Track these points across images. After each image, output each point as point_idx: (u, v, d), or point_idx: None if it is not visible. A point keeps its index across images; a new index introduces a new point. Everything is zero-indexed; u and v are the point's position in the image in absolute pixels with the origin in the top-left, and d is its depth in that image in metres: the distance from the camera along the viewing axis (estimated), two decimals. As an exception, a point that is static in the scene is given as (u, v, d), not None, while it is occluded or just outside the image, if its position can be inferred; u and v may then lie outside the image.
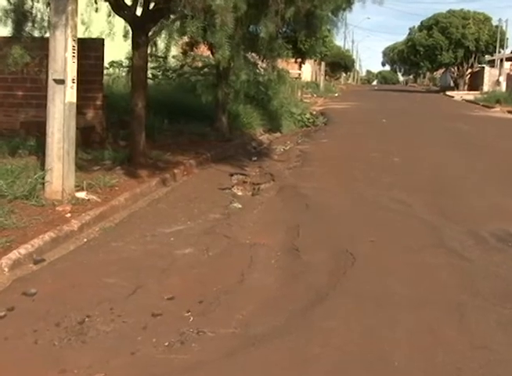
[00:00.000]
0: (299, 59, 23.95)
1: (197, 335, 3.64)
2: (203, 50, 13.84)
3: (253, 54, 10.94)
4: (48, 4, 6.61)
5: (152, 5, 7.92)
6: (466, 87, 52.43)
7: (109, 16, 8.95)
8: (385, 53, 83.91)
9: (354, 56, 73.09)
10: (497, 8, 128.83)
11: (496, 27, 52.04)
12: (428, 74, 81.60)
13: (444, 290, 4.53)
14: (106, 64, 11.01)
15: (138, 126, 8.20)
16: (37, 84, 8.17)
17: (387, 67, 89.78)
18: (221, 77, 12.00)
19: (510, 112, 26.97)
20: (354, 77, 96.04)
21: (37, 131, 7.81)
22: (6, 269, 4.53)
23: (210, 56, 12.53)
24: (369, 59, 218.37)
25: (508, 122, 22.40)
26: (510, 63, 48.02)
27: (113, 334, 3.63)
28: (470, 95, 39.46)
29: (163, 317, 3.89)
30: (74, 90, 6.26)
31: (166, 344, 3.52)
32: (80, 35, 6.72)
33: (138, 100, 8.11)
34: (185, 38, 10.39)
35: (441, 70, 66.70)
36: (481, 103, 32.82)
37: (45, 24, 7.15)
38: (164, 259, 5.03)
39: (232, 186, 8.35)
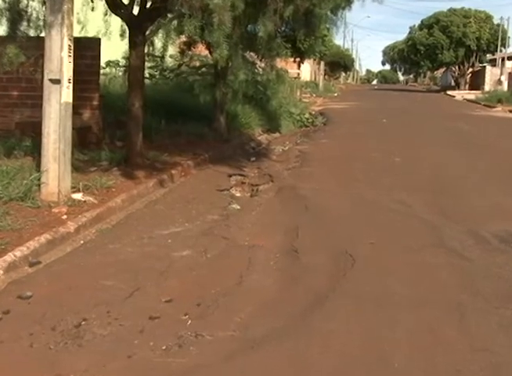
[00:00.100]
0: (298, 59, 23.87)
1: (195, 338, 3.61)
2: (201, 49, 13.77)
3: (251, 53, 10.92)
4: (44, 3, 6.58)
5: (149, 3, 7.89)
6: (467, 86, 52.41)
7: (106, 15, 8.89)
8: (385, 52, 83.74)
9: (353, 56, 73.14)
10: (498, 6, 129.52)
11: (498, 25, 52.12)
12: (429, 73, 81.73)
13: (444, 290, 4.52)
14: (102, 64, 10.99)
15: (135, 126, 8.17)
16: (33, 84, 8.13)
17: (387, 67, 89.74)
18: (219, 76, 11.97)
19: (511, 111, 26.92)
20: (353, 77, 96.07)
21: (33, 131, 7.75)
22: (1, 272, 4.47)
23: (208, 55, 12.47)
24: (369, 59, 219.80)
25: (510, 122, 22.43)
26: (511, 62, 48.01)
27: (109, 338, 3.60)
28: (472, 95, 39.46)
29: (160, 320, 3.86)
30: (70, 90, 6.23)
31: (163, 347, 3.49)
32: (76, 34, 6.66)
33: (135, 100, 8.08)
34: (183, 37, 10.36)
35: (441, 70, 66.75)
36: (483, 102, 32.79)
37: (41, 23, 7.12)
38: (161, 261, 4.99)
39: (231, 187, 8.31)
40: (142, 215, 6.56)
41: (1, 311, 3.89)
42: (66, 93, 6.16)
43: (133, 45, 8.00)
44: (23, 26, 7.15)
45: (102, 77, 10.65)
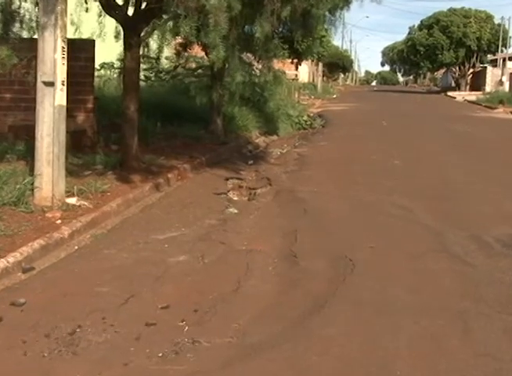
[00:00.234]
0: (296, 60, 23.91)
1: (192, 345, 3.58)
2: (197, 51, 13.75)
3: (248, 55, 10.85)
4: (37, 4, 6.60)
5: (144, 4, 7.86)
6: (467, 87, 52.32)
7: (100, 16, 8.88)
8: (384, 53, 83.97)
9: (352, 57, 73.33)
10: (499, 6, 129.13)
11: (499, 25, 52.14)
12: (429, 74, 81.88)
13: (446, 296, 4.50)
14: (96, 66, 10.98)
15: (131, 129, 8.13)
16: (26, 87, 8.05)
17: (387, 68, 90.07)
18: (215, 78, 11.95)
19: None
20: (352, 78, 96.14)
21: (26, 135, 7.68)
22: (-6, 279, 4.44)
23: (205, 56, 12.44)
24: (368, 60, 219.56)
25: (511, 123, 22.39)
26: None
27: (105, 345, 3.56)
28: (472, 96, 39.39)
29: (157, 327, 3.82)
30: (64, 92, 6.19)
31: (160, 354, 3.46)
32: (70, 36, 6.62)
33: (130, 103, 8.04)
34: (179, 39, 10.30)
35: (442, 71, 66.86)
36: (484, 103, 32.71)
37: (34, 25, 7.11)
38: (157, 267, 4.97)
39: (228, 191, 8.27)
40: (137, 219, 6.52)
41: (-6, 318, 3.85)
42: (60, 96, 6.12)
43: (128, 46, 7.96)
44: (16, 27, 7.15)
45: (96, 80, 10.65)
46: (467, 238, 6.02)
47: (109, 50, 10.49)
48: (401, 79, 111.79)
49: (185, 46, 12.52)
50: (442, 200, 7.85)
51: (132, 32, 7.91)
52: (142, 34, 8.19)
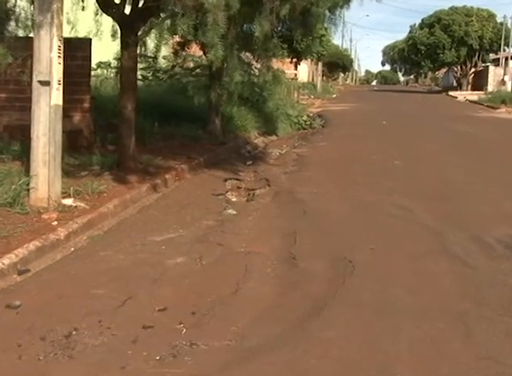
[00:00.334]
0: (295, 59, 23.92)
1: (190, 348, 3.57)
2: (195, 50, 13.72)
3: (247, 54, 10.81)
4: (32, 2, 6.57)
5: (141, 2, 7.82)
6: (469, 87, 52.23)
7: (97, 14, 8.81)
8: (385, 52, 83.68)
9: (352, 56, 73.27)
10: (501, 4, 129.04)
11: (501, 24, 52.05)
12: (430, 73, 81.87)
13: (447, 298, 4.48)
14: (93, 65, 10.92)
15: (128, 129, 8.10)
16: (21, 86, 8.00)
17: (387, 67, 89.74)
18: (213, 78, 11.91)
19: (515, 113, 26.88)
20: (352, 78, 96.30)
21: (22, 135, 7.65)
22: (-12, 281, 4.43)
23: (203, 56, 12.39)
24: (369, 59, 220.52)
25: (514, 123, 22.40)
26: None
27: (101, 348, 3.55)
28: (474, 96, 39.20)
29: (154, 329, 3.80)
30: (60, 92, 6.15)
31: (157, 357, 3.45)
32: (66, 35, 6.61)
33: (127, 102, 8.01)
34: (176, 38, 10.27)
35: (443, 70, 66.89)
36: (486, 103, 32.57)
37: (29, 23, 7.06)
38: (155, 269, 4.94)
39: (226, 192, 8.24)
40: (134, 220, 6.50)
41: (-12, 321, 3.84)
42: (56, 95, 6.08)
43: (125, 45, 7.92)
44: (11, 26, 7.11)
45: (93, 79, 10.64)
46: (468, 239, 6.00)
47: (106, 49, 10.44)
48: (401, 78, 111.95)
49: (183, 45, 12.43)
50: (442, 201, 7.84)
51: (129, 31, 7.87)
52: (140, 32, 8.12)
